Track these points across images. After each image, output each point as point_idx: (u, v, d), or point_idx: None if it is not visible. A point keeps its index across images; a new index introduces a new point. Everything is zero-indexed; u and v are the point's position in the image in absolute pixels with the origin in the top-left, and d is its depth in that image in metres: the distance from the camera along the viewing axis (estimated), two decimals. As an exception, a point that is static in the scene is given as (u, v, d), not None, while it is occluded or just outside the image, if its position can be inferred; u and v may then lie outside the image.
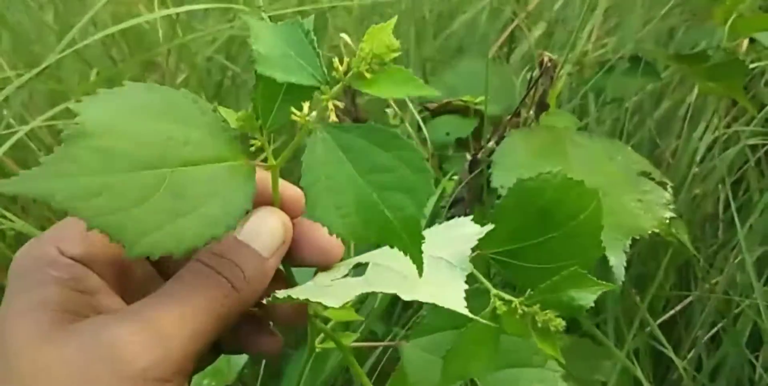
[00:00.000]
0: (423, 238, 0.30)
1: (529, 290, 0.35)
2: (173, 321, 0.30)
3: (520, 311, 0.35)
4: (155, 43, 1.04)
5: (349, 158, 0.30)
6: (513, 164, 0.57)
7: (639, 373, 0.69)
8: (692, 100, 0.92)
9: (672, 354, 0.72)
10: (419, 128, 0.77)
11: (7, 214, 0.74)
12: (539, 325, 0.35)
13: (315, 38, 0.32)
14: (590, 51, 0.91)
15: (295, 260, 0.36)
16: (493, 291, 0.36)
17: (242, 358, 0.67)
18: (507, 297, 0.36)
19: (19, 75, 0.75)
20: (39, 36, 1.10)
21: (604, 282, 0.36)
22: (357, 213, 0.30)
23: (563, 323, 0.35)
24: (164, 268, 0.36)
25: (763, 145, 0.93)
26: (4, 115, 0.83)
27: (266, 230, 0.34)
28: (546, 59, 0.60)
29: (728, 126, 0.95)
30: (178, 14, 0.77)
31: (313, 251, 0.36)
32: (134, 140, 0.29)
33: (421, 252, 0.31)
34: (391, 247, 0.31)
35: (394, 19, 0.31)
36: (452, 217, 0.49)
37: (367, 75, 0.30)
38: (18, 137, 0.71)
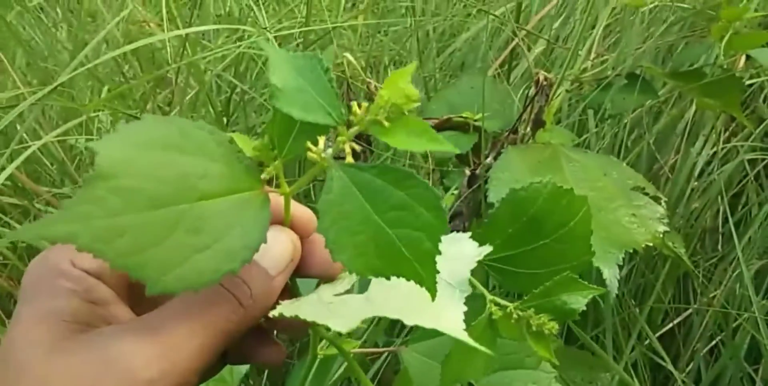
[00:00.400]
0: (438, 271, 0.31)
1: (523, 295, 0.37)
2: (181, 335, 0.31)
3: (515, 315, 0.37)
4: (166, 60, 1.07)
5: (365, 198, 0.31)
6: (509, 180, 0.58)
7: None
8: (690, 115, 0.94)
9: (671, 367, 0.73)
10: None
11: (17, 226, 0.76)
12: (534, 329, 0.37)
13: (333, 76, 0.32)
14: (589, 68, 0.93)
15: (301, 273, 0.37)
16: (489, 296, 0.38)
17: (245, 367, 0.68)
18: (502, 302, 0.38)
19: (32, 92, 0.77)
20: (52, 53, 1.13)
21: (594, 286, 0.38)
22: (375, 251, 0.31)
23: (557, 326, 0.37)
24: None
25: (762, 160, 0.94)
26: (18, 130, 0.86)
27: (275, 249, 0.34)
28: (542, 78, 0.62)
29: (727, 141, 0.96)
30: (188, 34, 0.80)
31: (320, 267, 0.37)
32: (152, 178, 0.30)
33: (436, 283, 0.31)
34: (408, 280, 0.31)
35: (413, 66, 0.32)
36: (452, 231, 0.51)
37: (385, 123, 0.30)
38: (30, 151, 0.73)
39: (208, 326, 0.32)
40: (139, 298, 0.36)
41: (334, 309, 0.35)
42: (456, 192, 0.73)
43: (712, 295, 0.81)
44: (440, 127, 0.80)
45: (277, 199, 0.34)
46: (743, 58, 0.90)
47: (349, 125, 0.31)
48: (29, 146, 0.76)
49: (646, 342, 0.78)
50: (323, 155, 0.31)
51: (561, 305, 0.38)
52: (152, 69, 1.05)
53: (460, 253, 0.39)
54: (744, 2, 0.92)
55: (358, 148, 0.32)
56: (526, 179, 0.59)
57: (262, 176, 0.33)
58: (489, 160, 0.64)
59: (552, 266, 0.41)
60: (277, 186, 0.34)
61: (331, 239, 0.31)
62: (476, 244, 0.39)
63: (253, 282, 0.34)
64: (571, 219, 0.40)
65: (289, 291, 0.38)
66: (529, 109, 0.64)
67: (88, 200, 0.28)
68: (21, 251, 0.85)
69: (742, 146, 0.94)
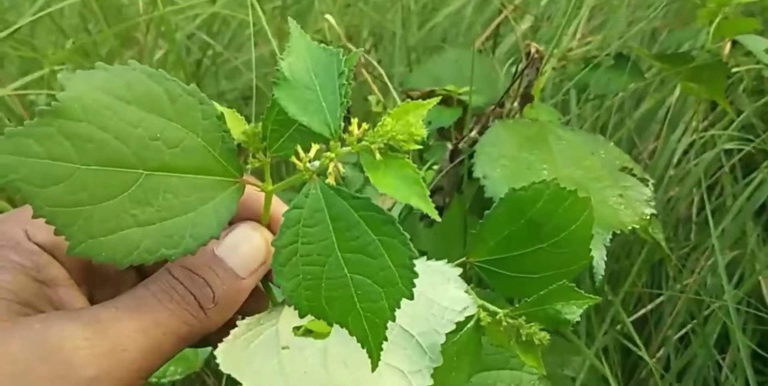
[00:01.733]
0: (386, 339, 0.28)
1: (516, 301, 0.35)
2: (131, 334, 0.28)
3: (504, 323, 0.35)
4: (134, 17, 1.01)
5: (334, 228, 0.28)
6: (496, 154, 0.56)
7: (607, 372, 0.69)
8: (672, 102, 0.93)
9: (642, 353, 0.72)
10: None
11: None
12: (523, 338, 0.35)
13: (347, 83, 0.29)
14: (575, 48, 0.91)
15: (271, 279, 0.33)
16: (479, 301, 0.35)
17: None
18: (492, 308, 0.36)
19: (-11, 41, 0.72)
20: (13, 4, 1.07)
21: (590, 295, 0.36)
22: (325, 290, 0.28)
23: (547, 336, 0.35)
24: None
25: (739, 150, 0.94)
26: (-28, 82, 0.80)
27: (247, 248, 0.32)
28: (533, 50, 0.60)
29: (706, 130, 0.96)
30: (159, -13, 0.75)
31: None
32: (116, 132, 0.27)
33: (380, 351, 0.28)
34: (350, 335, 0.28)
35: (435, 100, 0.29)
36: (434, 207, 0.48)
37: (378, 155, 0.27)
38: (-14, 104, 0.68)
39: (161, 326, 0.29)
40: (96, 278, 0.33)
41: (285, 363, 0.31)
42: (436, 167, 0.71)
43: (685, 282, 0.81)
44: (422, 99, 0.77)
45: (255, 193, 0.31)
46: (728, 45, 0.89)
47: (342, 142, 0.28)
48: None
49: (618, 326, 0.77)
50: (309, 165, 0.28)
51: (554, 314, 0.36)
52: (120, 26, 1.00)
53: (442, 299, 0.35)
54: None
55: (342, 170, 0.29)
56: (514, 155, 0.57)
57: (247, 166, 0.30)
58: (473, 134, 0.61)
59: (547, 271, 0.38)
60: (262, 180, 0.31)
61: (281, 260, 0.27)
62: (465, 287, 0.36)
63: (217, 284, 0.31)
64: (572, 223, 0.38)
65: (263, 296, 0.34)
66: (518, 82, 0.62)
67: (35, 135, 0.25)
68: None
69: (720, 135, 0.94)
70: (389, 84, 0.78)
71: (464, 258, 0.39)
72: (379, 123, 0.28)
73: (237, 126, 0.31)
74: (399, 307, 0.28)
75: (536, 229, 0.38)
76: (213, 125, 0.29)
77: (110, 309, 0.29)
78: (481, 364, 0.43)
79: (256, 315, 0.33)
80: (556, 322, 0.36)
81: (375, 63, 0.81)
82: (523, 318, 0.35)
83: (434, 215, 0.27)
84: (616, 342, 0.77)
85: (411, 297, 0.27)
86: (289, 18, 0.31)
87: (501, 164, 0.55)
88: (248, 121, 0.32)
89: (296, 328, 0.32)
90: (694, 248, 0.89)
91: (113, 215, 0.27)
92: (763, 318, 0.78)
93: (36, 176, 0.25)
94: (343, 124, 0.28)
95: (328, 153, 0.28)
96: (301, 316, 0.28)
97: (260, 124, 0.31)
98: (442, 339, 0.33)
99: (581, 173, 0.58)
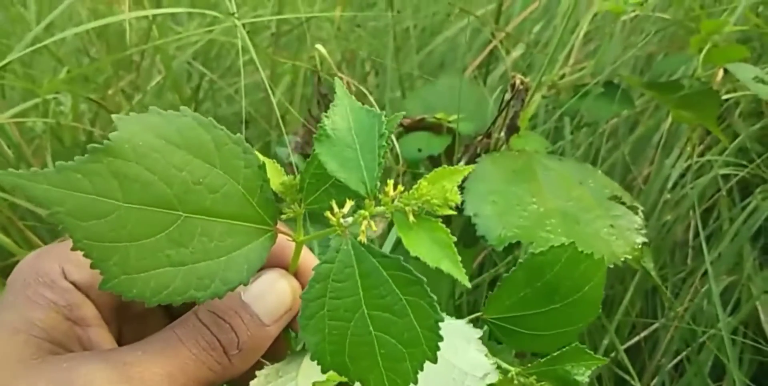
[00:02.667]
0: None
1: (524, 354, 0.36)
2: (155, 378, 0.29)
3: (516, 382, 0.36)
4: (133, 44, 1.02)
5: (363, 285, 0.28)
6: (485, 191, 0.56)
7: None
8: (666, 127, 0.93)
9: (636, 382, 0.72)
10: (392, 143, 0.77)
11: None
12: None
13: (386, 144, 0.30)
14: (567, 74, 0.91)
15: (294, 328, 0.34)
16: (491, 359, 0.36)
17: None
18: (504, 365, 0.36)
19: (-13, 70, 0.73)
20: (14, 31, 1.08)
21: (599, 357, 0.37)
22: (349, 347, 0.28)
23: None
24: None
25: (735, 175, 0.94)
26: (-30, 110, 0.81)
27: (273, 296, 0.32)
28: (518, 82, 0.60)
29: (701, 155, 0.96)
30: (155, 16, 0.76)
31: None
32: (161, 174, 0.27)
33: None
34: None
35: (468, 169, 0.30)
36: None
37: (411, 217, 0.28)
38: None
39: (187, 371, 0.29)
40: (127, 317, 0.34)
41: None
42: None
43: (678, 310, 0.80)
44: (413, 127, 0.78)
45: (284, 242, 0.32)
46: (721, 72, 0.89)
47: (377, 201, 0.29)
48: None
49: (612, 354, 0.77)
50: (342, 221, 0.29)
51: (564, 374, 0.37)
52: (118, 52, 1.01)
53: (462, 362, 0.35)
54: (724, 16, 0.92)
55: (375, 229, 0.29)
56: (502, 190, 0.57)
57: (282, 216, 0.31)
58: (461, 164, 0.61)
59: (558, 329, 0.40)
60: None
61: (308, 314, 0.28)
62: (485, 350, 0.36)
63: (242, 331, 0.31)
64: (587, 284, 0.40)
65: (279, 343, 0.34)
66: (504, 113, 0.62)
67: (84, 171, 0.26)
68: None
69: (716, 160, 0.93)
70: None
71: (478, 314, 0.40)
72: (415, 186, 0.28)
73: (276, 176, 0.32)
74: (422, 369, 0.28)
75: (552, 290, 0.39)
76: (254, 173, 0.30)
77: (136, 352, 0.29)
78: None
79: (275, 365, 0.33)
80: (566, 382, 0.37)
81: (366, 91, 0.81)
82: (534, 377, 0.36)
83: (465, 281, 0.27)
84: (609, 372, 0.76)
85: (434, 361, 0.28)
86: (336, 78, 0.32)
87: (491, 201, 0.56)
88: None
89: (315, 384, 0.32)
90: (690, 272, 0.88)
91: (149, 254, 0.27)
92: (759, 347, 0.77)
93: (80, 210, 0.26)
94: (378, 183, 0.29)
95: (362, 211, 0.29)
96: (324, 371, 0.28)
97: (298, 176, 0.32)
98: None
99: (571, 204, 0.58)
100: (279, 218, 0.31)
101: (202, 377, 0.30)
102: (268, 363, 0.35)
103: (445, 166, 0.30)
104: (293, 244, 0.32)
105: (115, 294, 0.27)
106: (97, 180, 0.26)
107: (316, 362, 0.28)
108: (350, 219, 0.29)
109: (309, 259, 0.34)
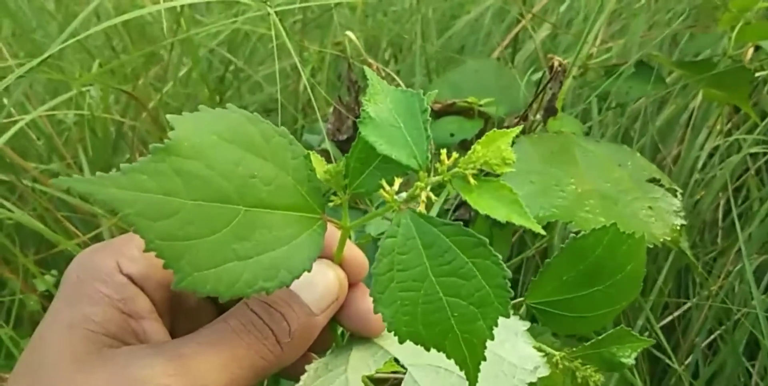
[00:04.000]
0: (485, 358, 0.29)
1: (569, 343, 0.36)
2: (210, 369, 0.29)
3: (561, 365, 0.36)
4: (158, 35, 1.03)
5: (427, 255, 0.29)
6: (525, 171, 0.56)
7: (637, 381, 0.69)
8: (695, 106, 0.92)
9: (673, 361, 0.72)
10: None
11: (6, 203, 0.74)
12: (579, 380, 0.36)
13: (429, 119, 0.30)
14: (594, 55, 0.91)
15: (341, 320, 0.35)
16: (535, 343, 0.36)
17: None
18: (549, 350, 0.37)
19: (20, 64, 0.74)
20: (40, 24, 1.09)
21: (645, 338, 0.37)
22: (422, 314, 0.28)
23: (602, 378, 0.36)
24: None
25: (764, 154, 0.93)
26: (5, 104, 0.82)
27: (321, 286, 0.32)
28: (556, 63, 0.60)
29: (729, 134, 0.95)
30: (182, 7, 0.77)
31: (357, 320, 0.34)
32: (220, 170, 0.28)
33: (478, 371, 0.29)
34: (448, 358, 0.29)
35: (517, 130, 0.30)
36: (457, 220, 0.48)
37: (472, 181, 0.28)
38: (19, 126, 0.70)
39: (240, 360, 0.30)
40: (180, 311, 0.34)
41: None
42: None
43: (712, 289, 0.80)
44: (444, 111, 0.78)
45: (332, 231, 0.32)
46: (751, 50, 0.88)
47: (430, 172, 0.29)
48: (17, 121, 0.73)
49: (646, 334, 0.77)
50: (396, 197, 0.29)
51: (610, 357, 0.37)
52: (144, 44, 1.02)
53: (511, 355, 0.35)
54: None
55: (433, 198, 0.30)
56: (541, 170, 0.57)
57: (330, 204, 0.32)
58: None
59: (600, 310, 0.40)
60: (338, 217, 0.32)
61: (380, 288, 0.28)
62: (533, 342, 0.36)
63: (293, 319, 0.32)
64: (628, 264, 0.40)
65: (327, 336, 0.35)
66: (541, 95, 0.62)
67: (150, 171, 0.27)
68: (8, 229, 0.82)
69: (744, 139, 0.93)
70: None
71: (520, 299, 0.40)
72: (470, 151, 0.29)
73: (319, 166, 0.32)
74: (497, 326, 0.28)
75: (595, 273, 0.39)
76: (301, 164, 0.31)
77: (191, 344, 0.30)
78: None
79: (323, 359, 0.34)
80: (611, 365, 0.37)
81: (394, 75, 0.81)
82: (579, 360, 0.36)
83: (538, 229, 0.28)
84: (643, 351, 0.76)
85: (508, 315, 0.28)
86: (365, 67, 0.32)
87: (529, 181, 0.56)
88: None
89: (366, 377, 0.33)
90: (721, 252, 0.88)
91: (217, 249, 0.28)
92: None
93: (149, 210, 0.27)
94: (429, 156, 0.30)
95: (419, 183, 0.29)
96: (401, 342, 0.29)
97: (342, 163, 0.32)
98: None
99: (609, 186, 0.58)
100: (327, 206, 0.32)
101: (255, 366, 0.31)
102: (315, 356, 0.36)
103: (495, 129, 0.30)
104: (337, 235, 0.33)
105: (190, 291, 0.27)
106: (162, 179, 0.27)
107: (393, 334, 0.29)
108: (403, 194, 0.30)
109: (352, 249, 0.34)
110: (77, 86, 0.78)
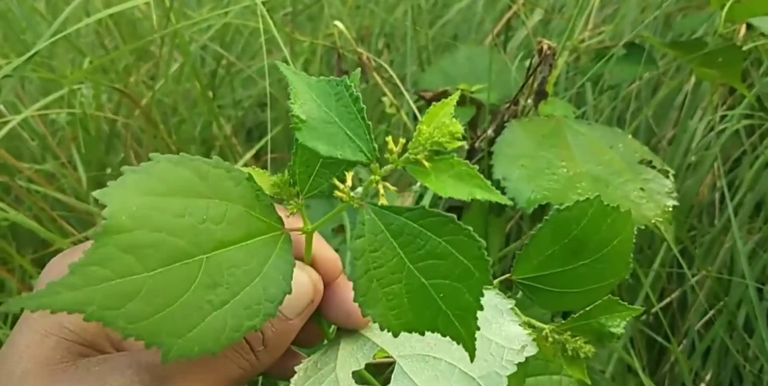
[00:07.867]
0: (478, 328, 0.28)
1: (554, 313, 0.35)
2: (187, 382, 0.29)
3: (550, 338, 0.36)
4: (149, 32, 1.03)
5: (399, 244, 0.28)
6: (515, 155, 0.56)
7: (636, 364, 0.69)
8: (690, 87, 0.92)
9: (671, 340, 0.72)
10: (415, 117, 0.77)
11: (1, 204, 0.74)
12: (569, 353, 0.36)
13: (364, 106, 0.29)
14: (587, 39, 0.90)
15: (327, 315, 0.35)
16: (524, 318, 0.36)
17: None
18: (537, 324, 0.36)
19: (9, 63, 0.74)
20: (30, 25, 1.09)
21: (634, 307, 0.36)
22: (409, 304, 0.28)
23: (592, 349, 0.36)
24: None
25: (760, 125, 0.93)
26: (-4, 104, 0.82)
27: (294, 289, 0.32)
28: (545, 47, 0.60)
29: (724, 116, 0.95)
30: (171, 1, 0.76)
31: (339, 314, 0.34)
32: (168, 229, 0.27)
33: (475, 341, 0.29)
34: (443, 336, 0.29)
35: (456, 95, 0.29)
36: (451, 207, 0.48)
37: (425, 163, 0.27)
38: (11, 126, 0.70)
39: (216, 371, 0.30)
40: None
41: None
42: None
43: (704, 273, 0.80)
44: (436, 99, 0.78)
45: (295, 235, 0.32)
46: (743, 28, 0.88)
47: (381, 161, 0.29)
48: (9, 121, 0.73)
49: (642, 317, 0.77)
50: (352, 194, 0.29)
51: (599, 327, 0.37)
52: (135, 41, 1.01)
53: (497, 336, 0.34)
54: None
55: (392, 188, 0.29)
56: (532, 154, 0.57)
57: (285, 215, 0.31)
58: (490, 132, 0.62)
59: (588, 285, 0.39)
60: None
61: (362, 291, 0.28)
62: (519, 320, 0.35)
63: (266, 327, 0.31)
64: (615, 238, 0.38)
65: (313, 330, 0.35)
66: (531, 79, 0.62)
67: (97, 260, 0.25)
68: (4, 230, 0.82)
69: (738, 115, 0.92)
70: (401, 86, 0.78)
71: (507, 276, 0.39)
72: (415, 133, 0.28)
73: (264, 181, 0.31)
74: (483, 295, 0.28)
75: (580, 246, 0.38)
76: (246, 188, 0.30)
77: None
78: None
79: (312, 357, 0.34)
80: (601, 335, 0.37)
81: (386, 66, 0.81)
82: (569, 332, 0.36)
83: (505, 201, 0.27)
84: (640, 334, 0.77)
85: (490, 283, 0.28)
86: (278, 62, 0.31)
87: (520, 165, 0.56)
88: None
89: (355, 373, 0.33)
90: (716, 233, 0.88)
91: (192, 308, 0.27)
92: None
93: (111, 300, 0.25)
94: (375, 145, 0.29)
95: (373, 176, 0.28)
96: (395, 336, 0.29)
97: (286, 172, 0.32)
98: (504, 382, 0.32)
99: (601, 169, 0.58)
100: (284, 218, 0.31)
101: (231, 375, 0.31)
102: (303, 353, 0.36)
103: (434, 104, 0.29)
104: (301, 236, 0.32)
105: (185, 359, 0.27)
106: (113, 263, 0.26)
107: (385, 331, 0.28)
108: (359, 190, 0.29)
109: (323, 248, 0.34)
110: (69, 84, 0.78)
